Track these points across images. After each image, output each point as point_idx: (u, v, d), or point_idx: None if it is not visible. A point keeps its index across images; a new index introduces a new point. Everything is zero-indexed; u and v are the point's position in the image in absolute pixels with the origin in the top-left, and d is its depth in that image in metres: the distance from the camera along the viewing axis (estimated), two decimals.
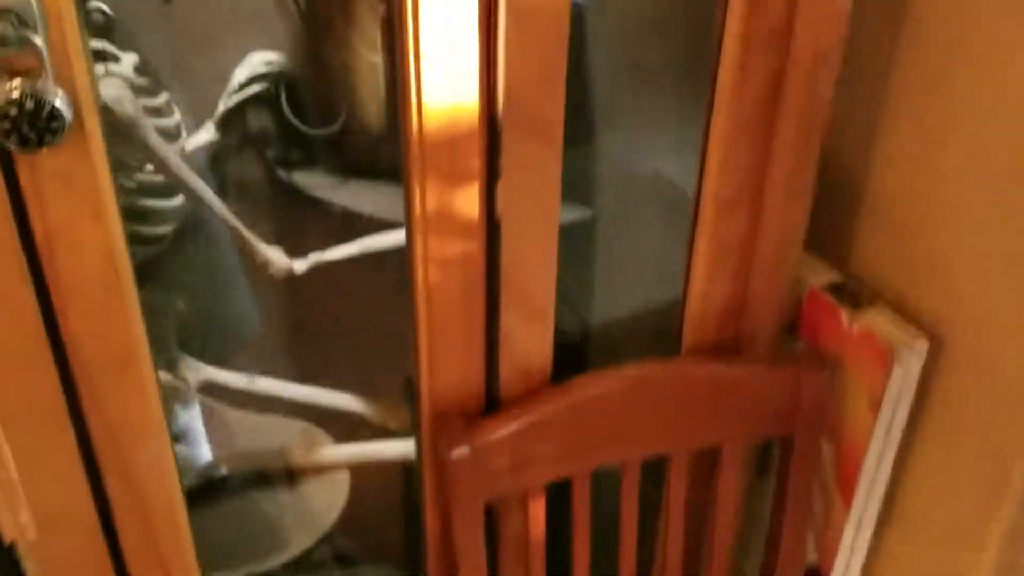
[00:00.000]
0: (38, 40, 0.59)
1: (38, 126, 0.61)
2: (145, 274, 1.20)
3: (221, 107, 1.29)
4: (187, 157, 1.19)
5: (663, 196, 1.14)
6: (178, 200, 1.14)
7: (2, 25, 0.58)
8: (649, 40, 1.17)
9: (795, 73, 0.81)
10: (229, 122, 1.30)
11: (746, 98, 0.83)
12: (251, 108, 1.34)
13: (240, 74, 1.30)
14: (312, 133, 1.33)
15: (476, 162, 0.77)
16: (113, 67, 1.02)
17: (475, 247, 0.80)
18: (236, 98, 1.30)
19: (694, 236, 0.91)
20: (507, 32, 0.71)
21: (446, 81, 0.72)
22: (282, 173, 1.39)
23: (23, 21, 0.59)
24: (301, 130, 1.33)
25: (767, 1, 0.76)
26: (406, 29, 0.70)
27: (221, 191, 1.30)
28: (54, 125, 0.61)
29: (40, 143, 0.62)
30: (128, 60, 1.05)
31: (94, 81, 0.65)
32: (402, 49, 0.71)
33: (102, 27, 1.09)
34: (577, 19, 1.17)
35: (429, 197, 0.77)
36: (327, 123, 1.33)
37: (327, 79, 1.28)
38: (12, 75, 0.60)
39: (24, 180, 0.66)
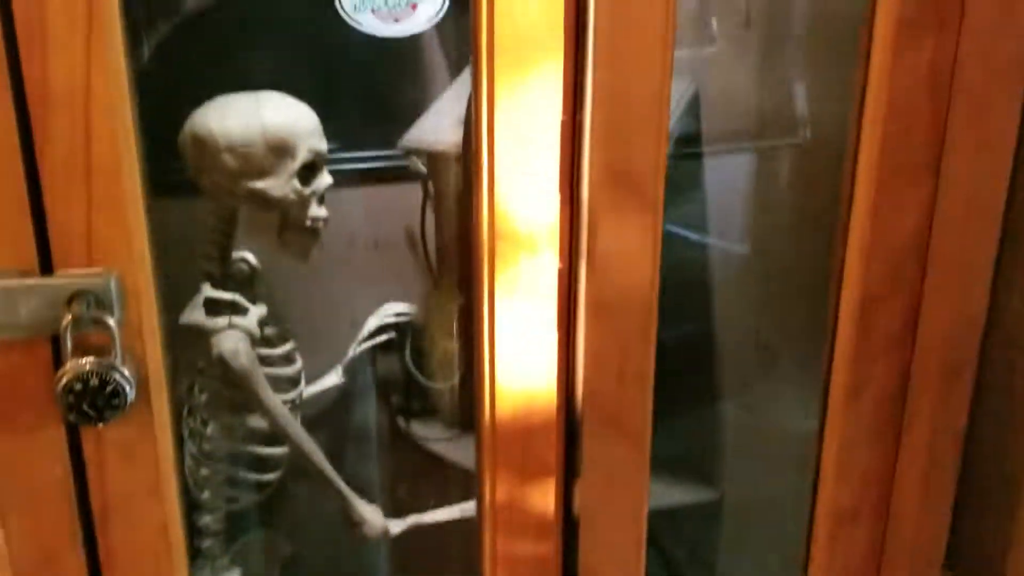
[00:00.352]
0: (111, 321, 0.61)
1: (99, 404, 0.61)
2: (251, 517, 1.19)
3: (350, 353, 1.31)
4: (305, 402, 1.20)
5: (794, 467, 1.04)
6: (285, 448, 1.14)
7: (78, 307, 0.60)
8: (778, 317, 1.11)
9: (921, 381, 0.72)
10: (356, 368, 1.32)
11: (866, 401, 0.75)
12: (380, 355, 1.36)
13: (372, 322, 1.33)
14: (431, 385, 1.32)
15: (552, 456, 0.71)
16: (238, 320, 1.06)
17: (549, 548, 0.73)
18: (365, 345, 1.32)
19: (809, 550, 0.81)
20: (587, 323, 0.68)
21: (521, 370, 0.68)
22: (401, 422, 1.38)
23: (100, 302, 0.61)
24: (422, 381, 1.32)
25: (881, 306, 0.69)
26: (481, 313, 0.68)
27: (339, 435, 1.29)
28: (115, 402, 0.62)
29: (100, 419, 0.62)
30: (255, 312, 1.09)
31: (167, 357, 0.66)
32: (477, 334, 0.69)
33: (244, 278, 1.14)
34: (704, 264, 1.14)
35: (500, 489, 0.71)
36: (448, 376, 1.32)
37: (449, 334, 1.28)
38: (83, 351, 0.62)
39: (88, 448, 0.66)
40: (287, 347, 1.15)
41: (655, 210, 0.66)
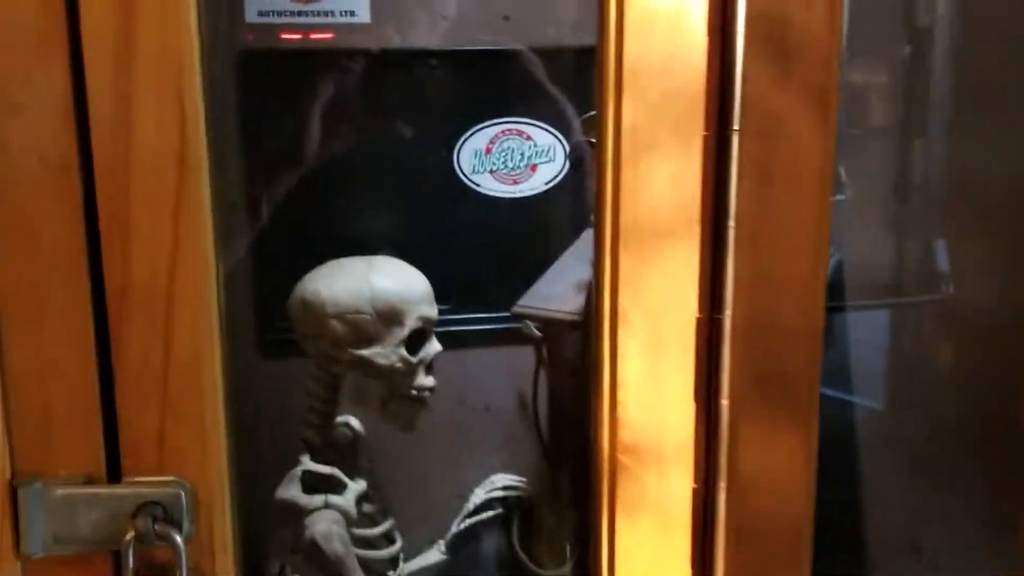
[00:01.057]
0: (178, 539, 0.54)
1: None
2: None
3: (454, 528, 1.22)
4: None
5: None
6: None
7: (143, 521, 0.53)
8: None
9: None
10: (459, 545, 1.23)
11: None
12: (485, 532, 1.26)
13: (479, 495, 1.24)
14: (539, 571, 1.21)
15: None
16: (334, 499, 0.99)
17: None
18: (470, 521, 1.23)
19: None
20: (727, 555, 0.57)
21: None
22: None
23: (168, 515, 0.54)
24: (528, 566, 1.22)
25: None
26: (599, 537, 0.58)
27: None
28: None
29: None
30: (354, 489, 1.01)
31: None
32: (594, 561, 0.59)
33: (347, 444, 1.08)
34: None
35: None
36: (558, 562, 1.21)
37: (558, 517, 1.18)
38: (148, 568, 0.55)
39: None
40: (386, 526, 1.07)
41: (809, 422, 0.56)
